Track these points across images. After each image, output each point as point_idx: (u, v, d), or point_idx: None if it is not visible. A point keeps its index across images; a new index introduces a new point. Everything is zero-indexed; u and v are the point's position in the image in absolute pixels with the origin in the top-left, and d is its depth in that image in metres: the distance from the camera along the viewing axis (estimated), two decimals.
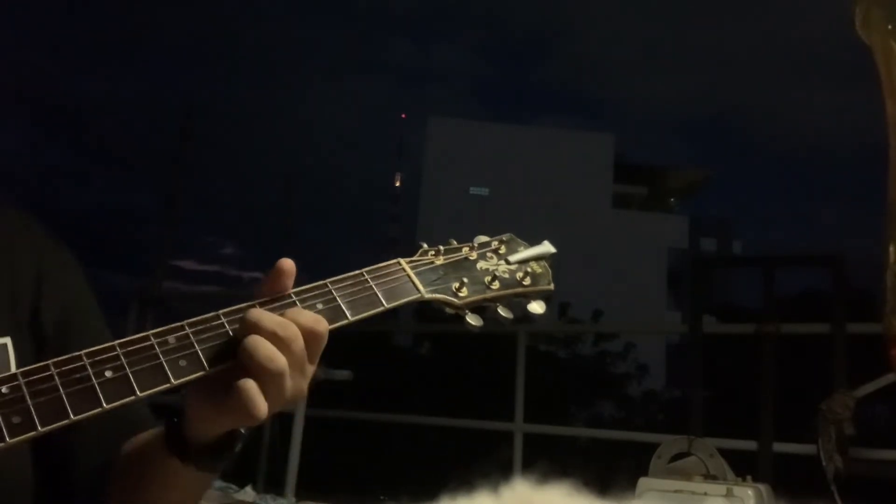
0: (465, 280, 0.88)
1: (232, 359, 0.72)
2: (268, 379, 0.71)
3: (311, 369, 0.76)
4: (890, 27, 2.57)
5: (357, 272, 0.83)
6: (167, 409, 0.81)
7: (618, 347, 15.01)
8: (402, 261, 0.86)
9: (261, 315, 0.73)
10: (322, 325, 0.75)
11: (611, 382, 14.95)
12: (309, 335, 0.74)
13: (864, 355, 2.91)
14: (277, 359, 0.71)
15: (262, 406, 0.71)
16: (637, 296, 25.23)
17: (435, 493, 1.25)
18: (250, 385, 0.71)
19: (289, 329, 0.73)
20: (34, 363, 0.67)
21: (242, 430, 0.79)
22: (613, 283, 25.21)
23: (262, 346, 0.71)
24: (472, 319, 0.87)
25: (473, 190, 28.94)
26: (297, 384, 0.74)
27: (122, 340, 0.70)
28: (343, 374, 4.20)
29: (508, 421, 4.42)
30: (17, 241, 0.92)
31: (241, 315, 0.74)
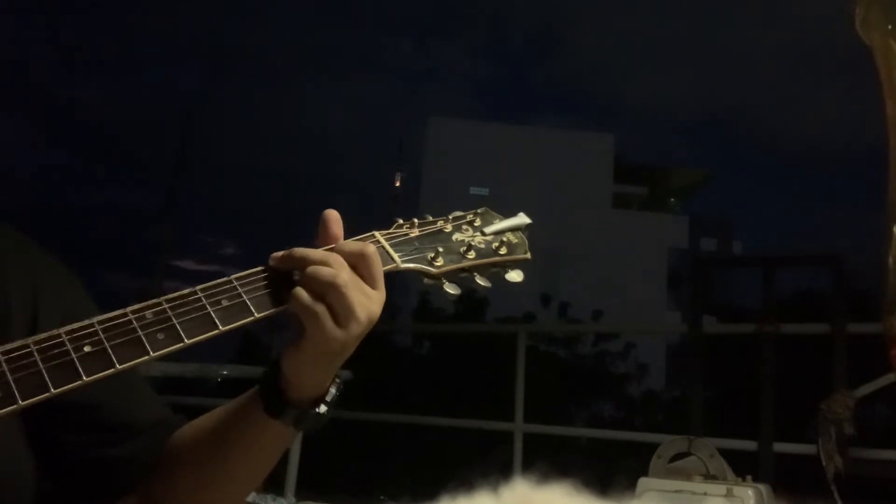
0: (441, 250, 0.89)
1: (210, 331, 0.74)
2: (334, 296, 0.76)
3: (371, 292, 0.80)
4: (890, 27, 2.57)
5: (333, 245, 0.83)
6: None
7: (618, 347, 14.98)
8: (377, 233, 0.88)
9: (306, 250, 0.79)
10: (367, 248, 0.80)
11: (611, 382, 14.92)
12: (353, 258, 0.79)
13: (864, 355, 2.91)
14: (339, 275, 0.76)
15: (319, 310, 0.76)
16: (637, 296, 25.21)
17: (435, 493, 1.25)
18: (300, 292, 0.76)
19: (333, 257, 0.78)
20: None
21: (337, 380, 0.85)
22: (613, 283, 25.17)
23: (321, 269, 0.77)
24: (450, 288, 0.89)
25: (473, 190, 28.88)
26: (362, 302, 0.78)
27: (100, 317, 0.71)
28: (343, 374, 4.19)
29: (508, 421, 4.42)
30: (11, 258, 0.90)
31: (215, 290, 0.76)
